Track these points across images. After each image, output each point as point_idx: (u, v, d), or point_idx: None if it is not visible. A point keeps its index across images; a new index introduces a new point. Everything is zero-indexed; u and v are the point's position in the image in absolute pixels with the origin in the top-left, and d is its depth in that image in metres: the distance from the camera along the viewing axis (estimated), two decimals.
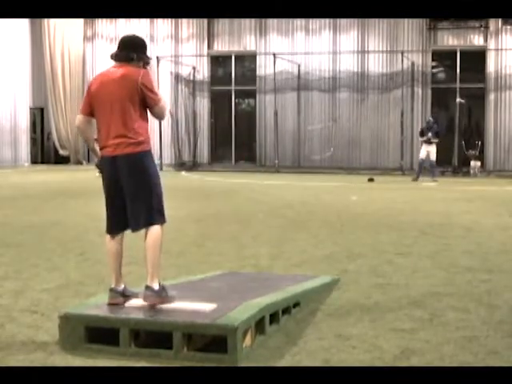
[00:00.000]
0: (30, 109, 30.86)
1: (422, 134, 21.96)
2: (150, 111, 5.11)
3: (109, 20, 30.21)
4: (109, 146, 5.04)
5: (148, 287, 4.95)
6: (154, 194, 5.06)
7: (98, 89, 5.11)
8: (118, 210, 5.14)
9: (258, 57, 28.91)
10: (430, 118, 22.83)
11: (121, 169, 5.02)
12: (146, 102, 5.04)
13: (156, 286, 4.94)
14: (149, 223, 5.03)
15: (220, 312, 4.71)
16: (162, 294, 4.94)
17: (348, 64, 27.81)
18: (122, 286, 5.14)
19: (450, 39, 27.26)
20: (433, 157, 21.54)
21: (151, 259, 5.00)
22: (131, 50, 5.14)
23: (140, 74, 5.05)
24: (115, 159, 5.03)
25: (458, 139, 25.89)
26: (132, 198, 5.05)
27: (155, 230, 5.03)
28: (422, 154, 21.75)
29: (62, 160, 30.67)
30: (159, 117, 5.21)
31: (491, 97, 26.78)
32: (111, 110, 5.03)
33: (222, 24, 29.30)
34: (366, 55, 27.67)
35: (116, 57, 5.18)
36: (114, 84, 5.03)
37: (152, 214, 5.04)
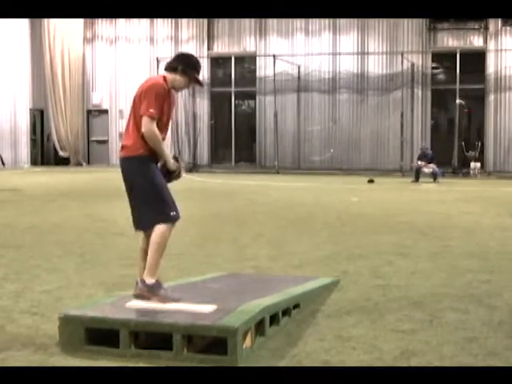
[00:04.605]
0: (30, 110, 30.86)
1: (419, 160, 22.45)
2: None
3: (108, 21, 30.22)
4: (121, 147, 5.30)
5: (142, 280, 5.10)
6: (148, 197, 5.17)
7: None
8: (131, 209, 5.35)
9: (257, 58, 28.92)
10: (423, 146, 23.56)
11: (123, 170, 5.25)
12: None
13: (149, 281, 5.07)
14: (145, 225, 5.22)
15: (220, 313, 4.71)
16: (153, 290, 5.06)
17: (348, 65, 27.83)
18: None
19: (449, 40, 27.28)
20: (435, 170, 21.91)
21: (150, 255, 5.14)
22: (177, 62, 5.33)
23: (153, 80, 5.26)
24: (121, 161, 5.28)
25: (458, 140, 25.90)
26: (131, 199, 5.25)
27: (158, 228, 5.13)
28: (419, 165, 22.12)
29: (62, 161, 30.67)
30: (142, 130, 5.10)
31: (491, 98, 26.78)
32: (130, 113, 5.29)
33: (221, 25, 29.32)
34: (366, 56, 27.68)
35: (165, 66, 5.42)
36: (139, 88, 5.27)
37: (151, 215, 5.16)
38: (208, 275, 6.61)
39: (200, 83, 5.55)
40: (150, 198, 5.16)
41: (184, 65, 5.30)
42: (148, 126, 5.09)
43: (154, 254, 5.12)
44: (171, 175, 5.39)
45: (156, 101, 5.10)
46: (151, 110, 5.07)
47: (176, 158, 5.46)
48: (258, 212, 13.00)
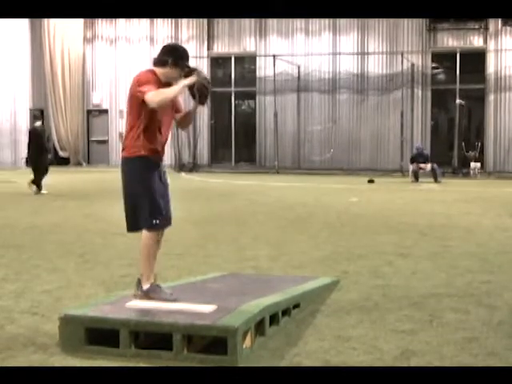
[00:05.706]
0: (30, 110, 30.84)
1: (413, 161, 22.64)
2: None
3: (108, 21, 30.21)
4: (122, 148, 5.38)
5: (139, 284, 5.27)
6: (137, 200, 5.20)
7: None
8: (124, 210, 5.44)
9: (257, 58, 28.92)
10: (419, 145, 23.77)
11: (121, 170, 5.32)
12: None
13: (144, 286, 5.22)
14: (131, 228, 5.31)
15: (220, 313, 4.71)
16: (148, 294, 5.20)
17: (348, 65, 27.82)
18: (162, 284, 5.42)
19: (449, 40, 27.27)
20: (433, 165, 22.02)
21: (140, 262, 5.31)
22: (166, 55, 5.30)
23: (138, 74, 5.28)
24: (121, 161, 5.34)
25: (458, 140, 25.89)
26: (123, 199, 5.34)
27: (143, 234, 5.26)
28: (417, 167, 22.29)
29: (62, 161, 30.65)
30: (152, 106, 5.07)
31: (491, 98, 26.78)
32: (126, 114, 5.32)
33: (221, 25, 29.32)
34: (366, 56, 27.68)
35: (153, 61, 5.39)
36: (129, 88, 5.28)
37: (136, 218, 5.23)
38: (208, 275, 6.61)
39: (192, 69, 5.48)
40: (138, 201, 5.20)
41: (173, 57, 5.29)
42: (151, 99, 5.00)
43: (142, 261, 5.26)
44: (202, 91, 5.24)
45: (147, 83, 5.09)
46: (145, 89, 5.03)
47: (191, 71, 5.28)
48: (257, 212, 13.00)
